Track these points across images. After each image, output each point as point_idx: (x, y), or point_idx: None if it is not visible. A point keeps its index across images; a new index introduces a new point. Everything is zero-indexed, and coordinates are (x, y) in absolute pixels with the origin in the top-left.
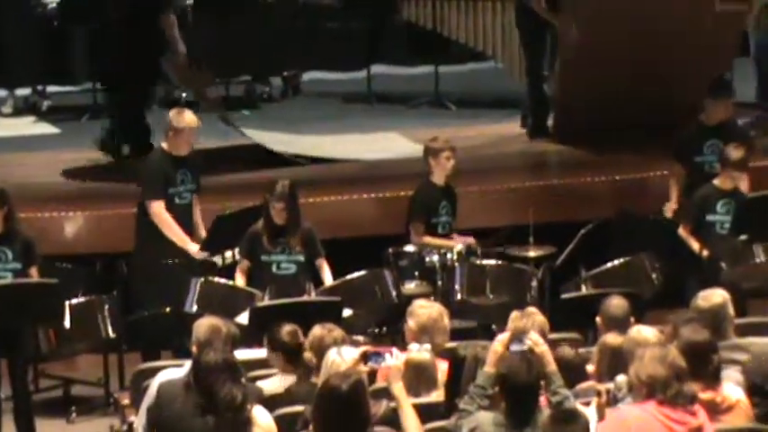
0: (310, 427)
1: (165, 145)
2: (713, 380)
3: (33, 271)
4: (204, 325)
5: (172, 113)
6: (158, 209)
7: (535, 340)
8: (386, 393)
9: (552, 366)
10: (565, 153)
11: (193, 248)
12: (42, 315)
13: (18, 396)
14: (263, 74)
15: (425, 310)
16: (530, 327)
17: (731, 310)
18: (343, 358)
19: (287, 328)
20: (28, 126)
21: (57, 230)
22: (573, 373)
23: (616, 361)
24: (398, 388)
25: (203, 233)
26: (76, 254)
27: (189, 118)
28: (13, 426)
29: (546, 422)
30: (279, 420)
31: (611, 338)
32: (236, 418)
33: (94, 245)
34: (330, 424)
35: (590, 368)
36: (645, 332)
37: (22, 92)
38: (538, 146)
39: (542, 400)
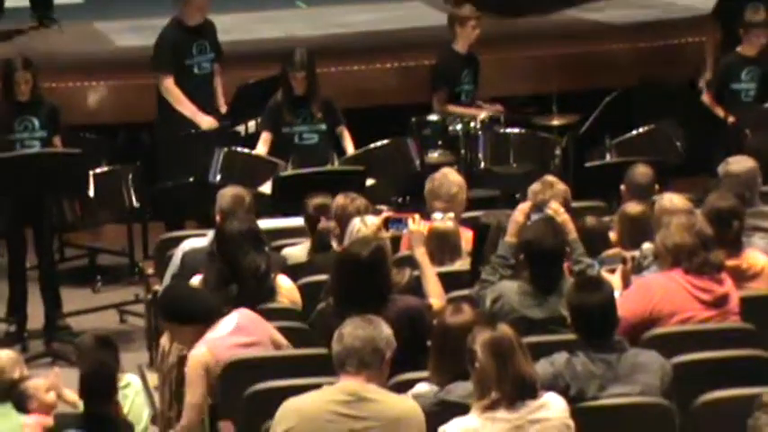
0: None
1: (178, 15)
2: (733, 246)
3: (57, 140)
4: (228, 194)
5: None
6: (167, 83)
7: (555, 209)
8: (410, 262)
9: (573, 234)
10: (588, 21)
11: (204, 121)
12: (67, 185)
13: (44, 266)
14: None
15: (441, 177)
16: (550, 196)
17: (759, 177)
18: (367, 226)
19: (316, 201)
20: None
21: (80, 100)
22: (596, 241)
23: (635, 230)
24: (420, 252)
25: (223, 102)
26: (100, 124)
27: None
28: (39, 295)
29: (570, 290)
30: (302, 289)
31: (631, 207)
32: (259, 286)
33: (118, 115)
34: (350, 290)
35: (613, 236)
36: (676, 200)
37: None
38: (561, 14)
39: (565, 267)
